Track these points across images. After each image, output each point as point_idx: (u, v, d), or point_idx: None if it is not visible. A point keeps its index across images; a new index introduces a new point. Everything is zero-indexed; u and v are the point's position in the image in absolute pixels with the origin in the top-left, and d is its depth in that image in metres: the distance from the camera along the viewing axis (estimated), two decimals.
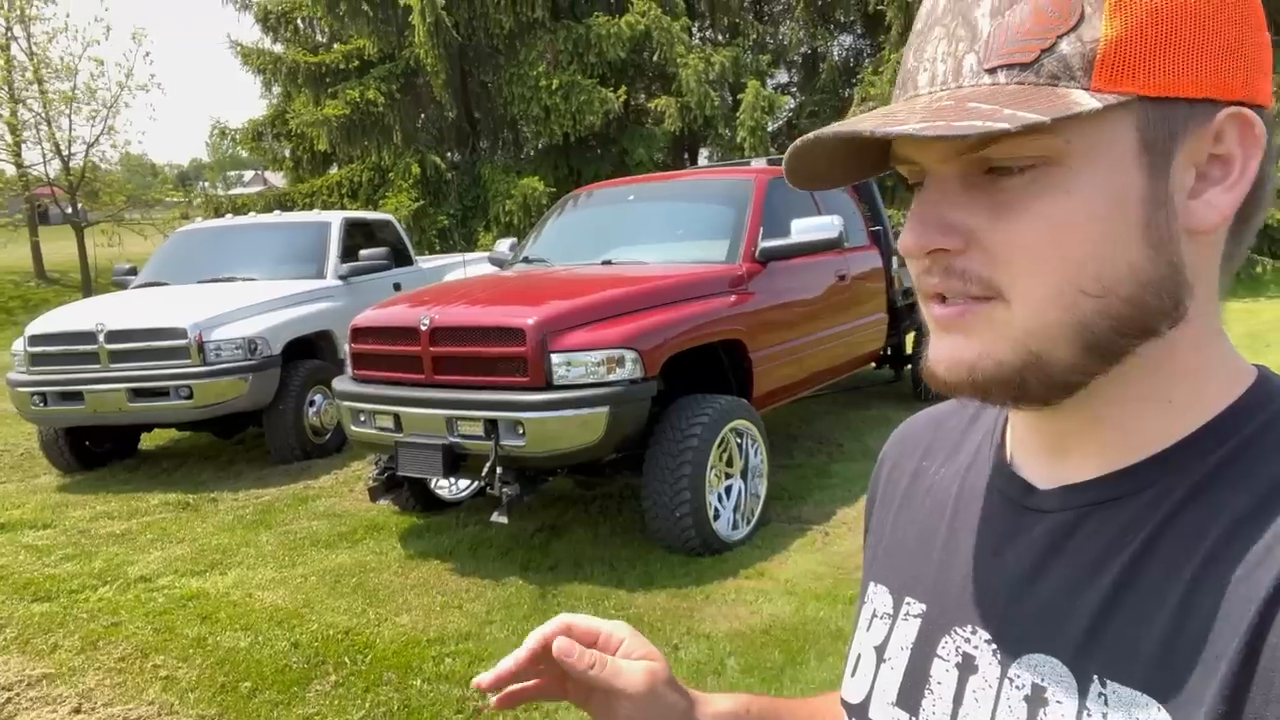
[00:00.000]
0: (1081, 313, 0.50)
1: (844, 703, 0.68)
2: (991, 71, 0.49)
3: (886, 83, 13.12)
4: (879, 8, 14.12)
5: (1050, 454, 0.58)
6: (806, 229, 4.84)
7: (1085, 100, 0.47)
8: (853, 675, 0.68)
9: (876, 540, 0.73)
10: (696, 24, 17.36)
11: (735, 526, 4.29)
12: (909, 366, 7.09)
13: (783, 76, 18.01)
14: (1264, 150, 0.50)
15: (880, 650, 0.65)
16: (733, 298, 4.63)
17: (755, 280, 4.80)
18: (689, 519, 4.02)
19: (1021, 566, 0.56)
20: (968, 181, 0.51)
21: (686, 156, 17.53)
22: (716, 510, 4.18)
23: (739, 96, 14.96)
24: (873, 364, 6.68)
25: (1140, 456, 0.53)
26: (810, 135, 0.52)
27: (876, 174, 0.59)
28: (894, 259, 6.43)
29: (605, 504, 4.96)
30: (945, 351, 0.54)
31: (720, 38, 17.72)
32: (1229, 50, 0.48)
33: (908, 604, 0.65)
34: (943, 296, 0.54)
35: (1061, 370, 0.51)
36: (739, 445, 4.34)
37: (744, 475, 4.37)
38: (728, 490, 4.31)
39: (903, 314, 6.60)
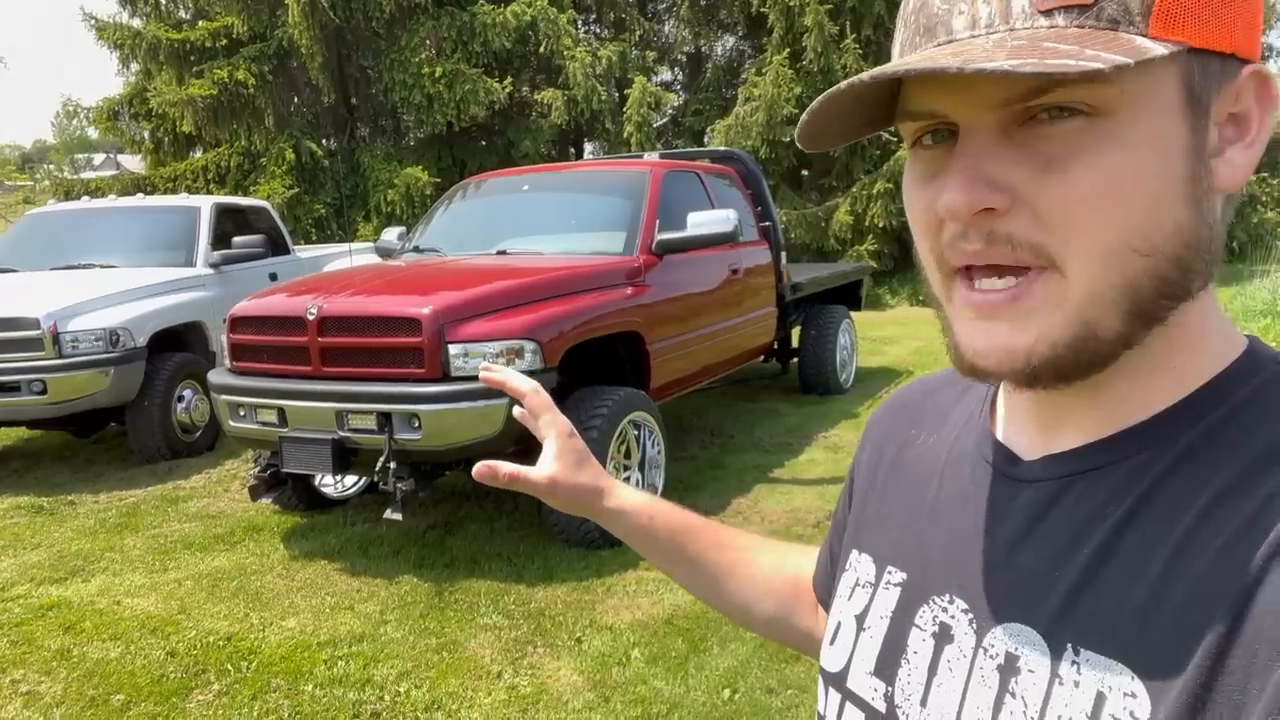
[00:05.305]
0: (1133, 273, 0.48)
1: (823, 671, 0.68)
2: (1048, 14, 0.46)
3: (769, 83, 13.38)
4: (761, 10, 14.39)
5: (1044, 426, 0.57)
6: (702, 222, 4.88)
7: (1152, 46, 0.45)
8: (832, 643, 0.67)
9: (860, 507, 0.72)
10: (582, 17, 17.26)
11: None
12: (795, 359, 7.27)
13: (667, 74, 18.13)
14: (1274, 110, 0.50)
15: (860, 619, 0.65)
16: (630, 289, 4.63)
17: (652, 272, 4.81)
18: None
19: (1003, 537, 0.56)
20: (1007, 133, 0.48)
21: (573, 150, 17.42)
22: None
23: (626, 92, 14.95)
24: (761, 357, 6.81)
25: (1127, 425, 0.52)
26: (864, 75, 0.47)
27: (875, 131, 0.56)
28: (781, 254, 6.58)
29: (500, 499, 4.87)
30: (996, 341, 0.50)
31: (605, 32, 17.68)
32: (1254, 8, 0.49)
33: (889, 572, 0.64)
34: (969, 273, 0.51)
35: (1109, 341, 0.49)
36: (636, 437, 4.34)
37: (641, 467, 4.38)
38: (626, 482, 4.29)
39: (790, 309, 6.76)
